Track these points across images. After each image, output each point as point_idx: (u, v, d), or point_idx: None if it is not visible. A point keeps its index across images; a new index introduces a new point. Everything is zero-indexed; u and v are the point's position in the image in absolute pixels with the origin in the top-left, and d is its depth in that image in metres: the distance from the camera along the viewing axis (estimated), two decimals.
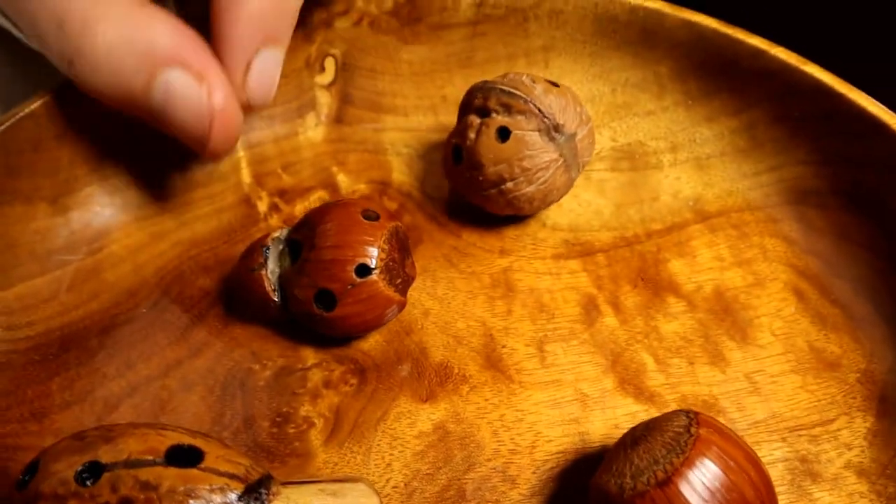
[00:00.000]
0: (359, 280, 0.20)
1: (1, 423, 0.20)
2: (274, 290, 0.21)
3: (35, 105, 0.22)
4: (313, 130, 0.27)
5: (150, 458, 0.17)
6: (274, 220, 0.25)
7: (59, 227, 0.23)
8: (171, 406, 0.21)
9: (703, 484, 0.16)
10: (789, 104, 0.23)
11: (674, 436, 0.17)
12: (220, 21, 0.20)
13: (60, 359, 0.22)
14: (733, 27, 0.24)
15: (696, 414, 0.17)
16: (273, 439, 0.20)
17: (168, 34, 0.19)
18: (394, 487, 0.19)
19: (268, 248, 0.21)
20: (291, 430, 0.20)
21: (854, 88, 0.22)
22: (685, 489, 0.16)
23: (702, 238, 0.24)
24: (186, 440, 0.17)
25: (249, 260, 0.21)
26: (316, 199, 0.25)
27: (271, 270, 0.21)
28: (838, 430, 0.20)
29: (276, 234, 0.21)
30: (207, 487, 0.17)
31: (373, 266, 0.20)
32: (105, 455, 0.16)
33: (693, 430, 0.17)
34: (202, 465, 0.17)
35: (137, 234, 0.24)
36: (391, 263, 0.20)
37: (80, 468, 0.16)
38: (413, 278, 0.22)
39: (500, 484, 0.19)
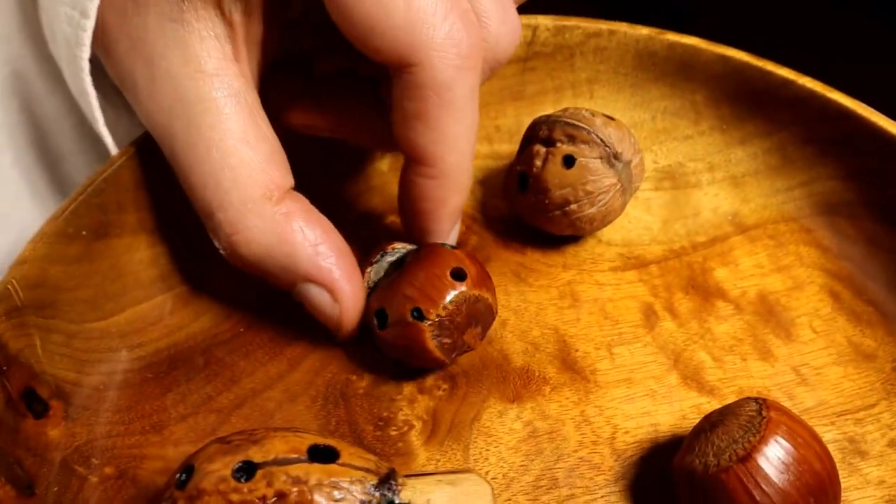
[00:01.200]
0: (409, 320, 0.22)
1: (126, 435, 0.23)
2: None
3: (136, 142, 0.25)
4: (380, 161, 0.29)
5: (295, 456, 0.19)
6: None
7: (160, 255, 0.26)
8: (278, 415, 0.24)
9: (778, 458, 0.19)
10: (817, 127, 0.27)
11: (748, 419, 0.20)
12: (424, 219, 0.24)
13: (171, 376, 0.24)
14: (763, 59, 0.27)
15: (765, 400, 0.20)
16: (378, 441, 0.23)
17: (306, 252, 0.23)
18: (493, 479, 0.22)
19: (382, 255, 0.24)
20: (393, 433, 0.23)
21: (875, 111, 0.25)
22: (763, 463, 0.19)
23: (742, 248, 0.27)
24: (321, 441, 0.20)
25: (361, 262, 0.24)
26: (389, 222, 0.28)
27: (371, 280, 0.24)
28: (880, 413, 0.23)
29: (393, 247, 0.24)
30: (348, 480, 0.19)
31: (426, 316, 0.22)
32: (256, 455, 0.19)
33: (764, 412, 0.20)
34: (340, 461, 0.19)
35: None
36: (447, 323, 0.22)
37: (235, 467, 0.19)
38: (471, 349, 0.24)
39: (588, 472, 0.22)
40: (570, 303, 0.26)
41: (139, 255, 0.25)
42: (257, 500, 0.18)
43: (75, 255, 0.24)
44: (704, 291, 0.26)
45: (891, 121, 0.25)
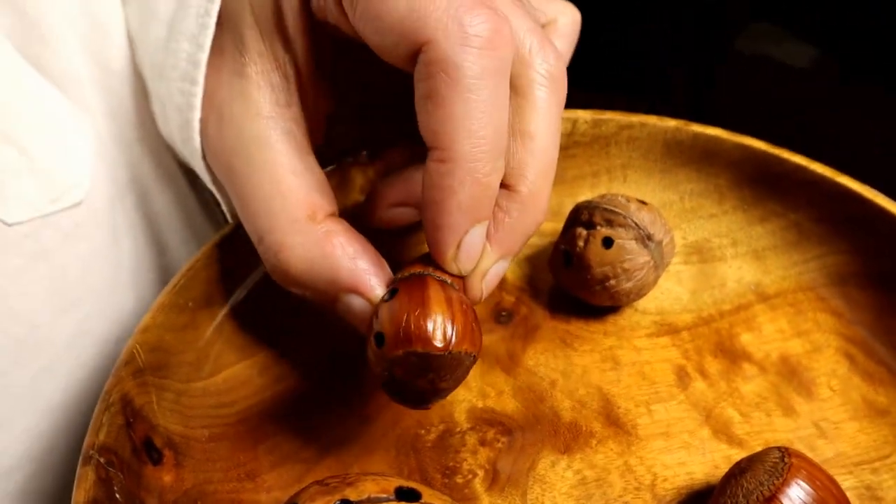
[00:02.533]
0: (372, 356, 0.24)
1: (224, 482, 0.27)
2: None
3: (232, 227, 0.30)
4: None
5: (385, 496, 0.23)
6: None
7: (256, 322, 0.30)
8: (356, 465, 0.27)
9: (800, 498, 0.23)
10: (828, 207, 0.31)
11: (772, 465, 0.24)
12: (433, 210, 0.23)
13: (261, 429, 0.28)
14: (779, 147, 0.31)
15: (787, 448, 0.24)
16: (445, 488, 0.27)
17: (346, 265, 0.25)
18: None
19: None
20: (459, 480, 0.27)
21: (878, 194, 0.30)
22: (786, 502, 0.23)
23: (765, 315, 0.31)
24: (405, 483, 0.24)
25: None
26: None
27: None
28: (894, 462, 0.27)
29: (410, 271, 0.25)
30: None
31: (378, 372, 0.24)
32: (351, 495, 0.23)
33: (787, 459, 0.24)
34: (423, 500, 0.23)
35: (312, 324, 0.31)
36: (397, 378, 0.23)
37: None
38: (440, 392, 0.24)
39: None
40: (611, 365, 0.30)
41: (236, 323, 0.30)
42: None
43: (183, 323, 0.28)
44: (731, 354, 0.30)
45: (892, 201, 0.29)
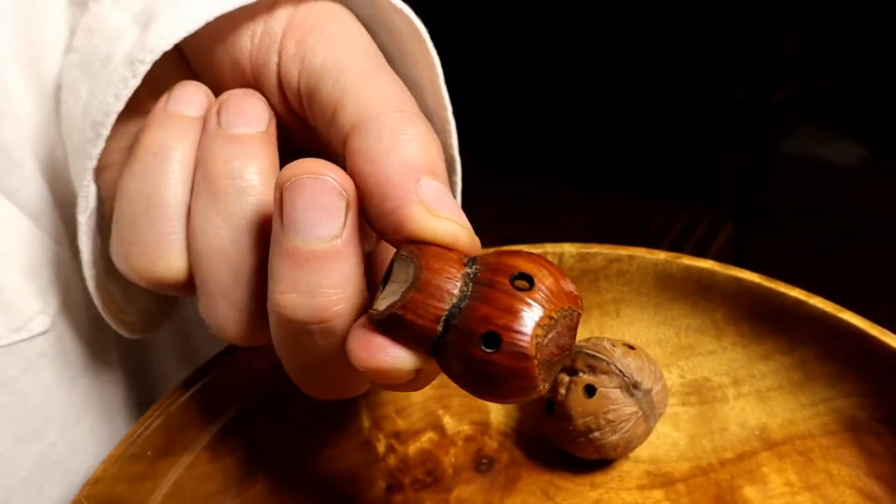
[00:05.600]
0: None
1: None
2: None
3: (199, 367, 0.29)
4: None
5: None
6: (391, 460, 0.30)
7: (216, 472, 0.29)
8: None
9: None
10: (832, 344, 0.28)
11: None
12: (377, 167, 0.21)
13: None
14: (774, 280, 0.29)
15: None
16: None
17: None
18: None
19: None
20: None
21: (884, 331, 0.27)
22: None
23: (771, 465, 0.28)
24: None
25: None
26: (426, 440, 0.31)
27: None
28: None
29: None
30: None
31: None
32: None
33: None
34: None
35: (279, 474, 0.30)
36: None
37: None
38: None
39: None
40: None
41: (197, 471, 0.29)
42: None
43: (138, 473, 0.27)
44: None
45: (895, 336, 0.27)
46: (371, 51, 0.25)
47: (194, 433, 0.29)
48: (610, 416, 0.27)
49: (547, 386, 0.19)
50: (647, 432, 0.28)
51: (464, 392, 0.32)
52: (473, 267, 0.20)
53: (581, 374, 0.28)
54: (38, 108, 0.29)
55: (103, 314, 0.28)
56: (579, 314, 0.20)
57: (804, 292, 0.29)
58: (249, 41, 0.25)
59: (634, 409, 0.27)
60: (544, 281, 0.19)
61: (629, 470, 0.29)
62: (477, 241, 0.21)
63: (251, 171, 0.23)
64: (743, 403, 0.30)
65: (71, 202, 0.30)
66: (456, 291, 0.19)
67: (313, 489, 0.30)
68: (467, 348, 0.19)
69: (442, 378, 0.33)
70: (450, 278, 0.19)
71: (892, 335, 0.27)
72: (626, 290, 0.32)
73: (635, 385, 0.27)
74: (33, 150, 0.29)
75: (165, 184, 0.23)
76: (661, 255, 0.31)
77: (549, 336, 0.19)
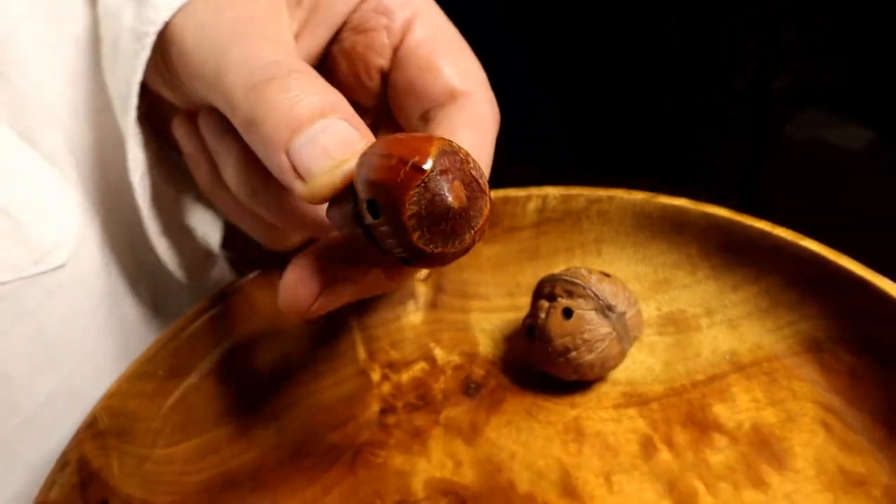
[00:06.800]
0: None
1: None
2: None
3: (207, 300, 0.32)
4: (413, 315, 0.35)
5: None
6: (385, 387, 0.33)
7: (223, 394, 0.31)
8: None
9: None
10: (795, 271, 0.30)
11: None
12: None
13: (224, 496, 0.29)
14: (742, 214, 0.32)
15: None
16: None
17: (350, 107, 0.23)
18: None
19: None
20: None
21: (841, 255, 0.29)
22: None
23: (739, 385, 0.30)
24: None
25: None
26: (418, 369, 0.33)
27: None
28: None
29: None
30: None
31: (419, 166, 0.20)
32: None
33: None
34: None
35: (279, 399, 0.32)
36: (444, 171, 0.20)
37: None
38: (451, 206, 0.20)
39: None
40: (574, 436, 0.29)
41: (204, 394, 0.31)
42: None
43: (150, 391, 0.30)
44: (702, 425, 0.29)
45: (857, 263, 0.29)
46: None
47: (203, 357, 0.31)
48: (586, 336, 0.29)
49: (431, 246, 0.21)
50: (622, 354, 0.30)
51: (454, 326, 0.35)
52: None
53: (559, 299, 0.30)
54: (53, 57, 0.32)
55: (165, 259, 0.32)
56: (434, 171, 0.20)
57: (769, 224, 0.31)
58: None
59: (609, 329, 0.29)
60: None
61: (607, 391, 0.31)
62: (360, 137, 0.23)
63: None
64: (715, 332, 0.32)
65: (85, 145, 0.33)
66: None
67: (313, 411, 0.32)
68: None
69: (434, 314, 0.35)
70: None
71: (850, 259, 0.29)
72: (606, 229, 0.34)
73: (609, 308, 0.30)
74: (48, 97, 0.32)
75: None
76: (638, 195, 0.34)
77: (417, 196, 0.20)
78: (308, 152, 0.22)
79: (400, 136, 0.21)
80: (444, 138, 0.21)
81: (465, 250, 0.21)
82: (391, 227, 0.20)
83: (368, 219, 0.21)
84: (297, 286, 0.25)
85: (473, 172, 0.21)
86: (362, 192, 0.21)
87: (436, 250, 0.21)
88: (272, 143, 0.23)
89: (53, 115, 0.32)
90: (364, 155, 0.21)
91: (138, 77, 0.28)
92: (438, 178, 0.20)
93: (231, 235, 0.39)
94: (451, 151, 0.20)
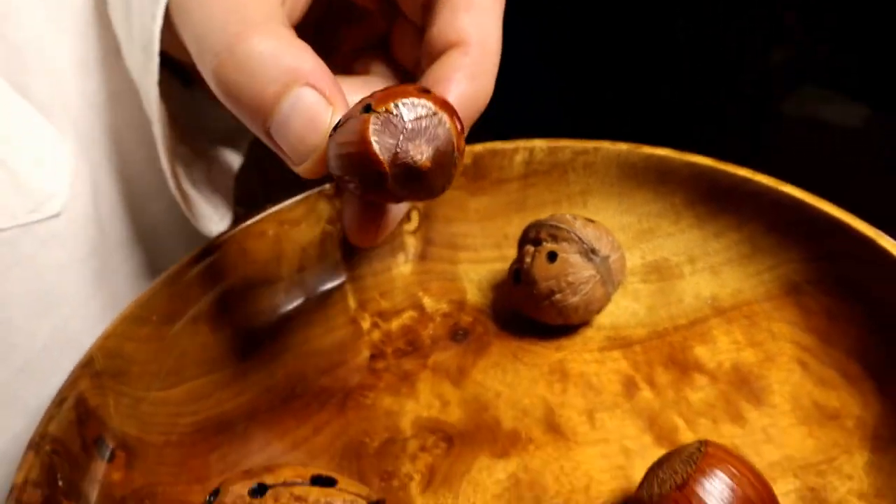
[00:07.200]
0: (356, 115, 0.22)
1: (174, 483, 0.28)
2: None
3: (201, 248, 0.32)
4: (403, 266, 0.36)
5: (300, 480, 0.24)
6: (375, 334, 0.33)
7: (216, 342, 0.32)
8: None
9: (713, 485, 0.23)
10: (775, 216, 0.31)
11: (688, 454, 0.24)
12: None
13: (217, 438, 0.30)
14: (724, 162, 0.32)
15: (707, 441, 0.24)
16: (382, 491, 0.27)
17: (313, 61, 0.23)
18: None
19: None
20: (395, 484, 0.28)
21: (821, 199, 0.30)
22: (698, 489, 0.23)
23: (720, 328, 0.31)
24: (324, 472, 0.25)
25: None
26: (407, 317, 0.34)
27: None
28: (841, 465, 0.26)
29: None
30: (341, 499, 0.24)
31: (373, 109, 0.21)
32: (268, 479, 0.24)
33: (703, 448, 0.24)
34: (338, 487, 0.24)
35: (272, 347, 0.33)
36: (393, 122, 0.21)
37: (251, 487, 0.24)
38: (416, 164, 0.21)
39: None
40: (559, 377, 0.30)
41: (198, 340, 0.32)
42: None
43: (146, 335, 0.30)
44: (683, 365, 0.30)
45: (834, 206, 0.29)
46: None
47: (196, 304, 0.32)
48: (570, 279, 0.30)
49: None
50: (606, 297, 0.31)
51: (443, 276, 0.35)
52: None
53: (544, 243, 0.31)
54: (47, 9, 0.32)
55: (182, 205, 0.33)
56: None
57: (750, 171, 0.32)
58: None
59: (592, 272, 0.30)
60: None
61: (591, 336, 0.32)
62: (326, 105, 0.23)
63: None
64: (698, 278, 0.33)
65: (79, 98, 0.33)
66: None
67: (304, 357, 0.33)
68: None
69: (423, 265, 0.36)
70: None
71: (828, 203, 0.30)
72: (592, 181, 0.35)
73: (593, 251, 0.30)
74: (42, 50, 0.32)
75: None
76: (622, 146, 0.34)
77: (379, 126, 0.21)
78: (285, 142, 0.23)
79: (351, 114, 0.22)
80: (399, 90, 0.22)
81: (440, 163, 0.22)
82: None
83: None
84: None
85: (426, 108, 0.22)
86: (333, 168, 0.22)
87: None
88: (254, 127, 0.23)
89: (48, 68, 0.32)
90: (330, 138, 0.23)
91: (158, 23, 0.27)
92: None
93: (244, 194, 0.40)
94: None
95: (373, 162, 0.21)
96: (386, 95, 0.21)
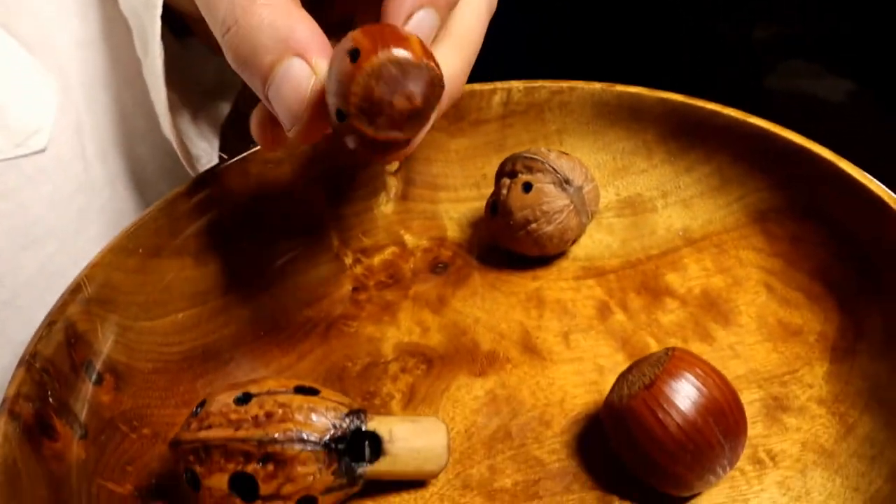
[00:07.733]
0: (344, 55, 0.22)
1: (162, 407, 0.29)
2: None
3: (186, 185, 0.33)
4: (385, 206, 0.37)
5: (284, 389, 0.25)
6: (358, 269, 0.34)
7: (201, 276, 0.33)
8: None
9: (679, 385, 0.24)
10: (741, 146, 0.32)
11: (656, 359, 0.25)
12: None
13: (203, 367, 0.31)
14: (693, 98, 0.33)
15: (674, 347, 0.25)
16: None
17: (307, 30, 0.24)
18: (456, 432, 0.27)
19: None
20: (377, 402, 0.29)
21: (784, 129, 0.31)
22: (666, 389, 0.24)
23: (691, 257, 0.32)
24: (308, 384, 0.26)
25: None
26: (389, 252, 0.35)
27: None
28: (802, 375, 0.27)
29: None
30: (324, 407, 0.25)
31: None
32: (252, 389, 0.25)
33: (670, 353, 0.25)
34: (320, 395, 0.25)
35: (257, 280, 0.34)
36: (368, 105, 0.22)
37: (236, 396, 0.25)
38: (419, 113, 0.23)
39: (538, 426, 0.27)
40: (535, 304, 0.31)
41: (184, 274, 0.33)
42: (250, 418, 0.24)
43: (133, 267, 0.31)
44: (655, 291, 0.31)
45: (796, 134, 0.31)
46: None
47: (182, 238, 0.33)
48: (545, 208, 0.31)
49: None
50: (580, 227, 0.32)
51: (424, 215, 0.36)
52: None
53: (520, 175, 0.32)
54: None
55: (175, 145, 0.33)
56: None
57: (718, 105, 0.33)
58: None
59: (567, 202, 0.31)
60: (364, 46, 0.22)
61: (567, 266, 0.33)
62: (309, 75, 0.24)
63: None
64: (670, 211, 0.34)
65: (64, 38, 0.34)
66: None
67: (289, 291, 0.33)
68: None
69: (405, 205, 0.37)
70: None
71: (793, 132, 0.31)
72: (568, 120, 0.36)
73: (567, 181, 0.31)
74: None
75: None
76: (597, 85, 0.35)
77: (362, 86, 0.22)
78: (277, 108, 0.25)
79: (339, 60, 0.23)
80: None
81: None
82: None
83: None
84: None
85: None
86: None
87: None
88: (259, 94, 0.25)
89: (33, 11, 0.33)
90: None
91: None
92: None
93: (229, 140, 0.41)
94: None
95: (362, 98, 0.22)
96: (372, 44, 0.22)
